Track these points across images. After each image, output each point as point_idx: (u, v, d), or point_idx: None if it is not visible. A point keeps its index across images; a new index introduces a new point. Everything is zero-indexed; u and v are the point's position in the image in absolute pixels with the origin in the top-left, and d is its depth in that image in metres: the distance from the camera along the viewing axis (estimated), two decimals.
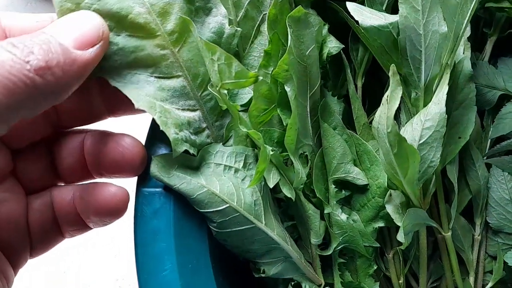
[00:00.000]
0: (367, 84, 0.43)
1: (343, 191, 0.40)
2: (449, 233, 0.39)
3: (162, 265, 0.31)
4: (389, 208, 0.37)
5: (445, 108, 0.35)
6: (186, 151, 0.33)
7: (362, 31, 0.36)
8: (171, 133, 0.31)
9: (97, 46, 0.28)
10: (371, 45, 0.37)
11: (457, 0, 0.34)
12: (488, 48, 0.45)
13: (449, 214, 0.40)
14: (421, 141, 0.36)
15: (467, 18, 0.36)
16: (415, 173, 0.35)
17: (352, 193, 0.41)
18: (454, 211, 0.39)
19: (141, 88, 0.31)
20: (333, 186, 0.40)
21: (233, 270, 0.38)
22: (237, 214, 0.34)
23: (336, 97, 0.41)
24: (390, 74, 0.32)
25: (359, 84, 0.42)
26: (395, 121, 0.32)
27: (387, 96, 0.33)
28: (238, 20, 0.37)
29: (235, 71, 0.31)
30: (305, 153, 0.39)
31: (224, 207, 0.33)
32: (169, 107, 0.32)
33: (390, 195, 0.38)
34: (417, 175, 0.35)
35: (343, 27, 0.41)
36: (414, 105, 0.37)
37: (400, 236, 0.36)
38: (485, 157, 0.42)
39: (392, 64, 0.32)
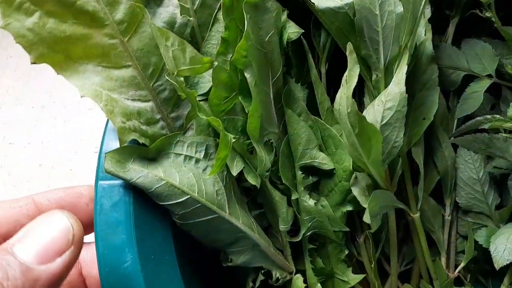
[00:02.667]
0: (333, 70, 0.43)
1: (311, 177, 0.40)
2: (417, 214, 0.39)
3: (124, 257, 0.31)
4: (355, 191, 0.37)
5: (405, 88, 0.35)
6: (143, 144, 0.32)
7: (320, 13, 0.36)
8: (117, 121, 0.30)
9: (66, 254, 0.26)
10: (330, 28, 0.37)
11: None
12: (451, 29, 0.45)
13: (417, 195, 0.40)
14: (383, 122, 0.36)
15: None
16: (379, 153, 0.35)
17: (320, 179, 0.40)
18: (421, 193, 0.39)
19: (88, 78, 0.31)
20: (300, 172, 0.39)
21: (202, 259, 0.38)
22: (199, 205, 0.33)
23: (299, 84, 0.40)
24: (347, 53, 0.32)
25: (323, 70, 0.42)
26: (354, 100, 0.32)
27: (346, 76, 0.33)
28: (195, 8, 0.37)
29: (189, 57, 0.31)
30: (271, 141, 0.39)
31: (184, 198, 0.33)
32: (117, 96, 0.32)
33: (356, 177, 0.37)
34: (381, 156, 0.35)
35: (305, 13, 0.41)
36: (376, 87, 0.37)
37: (366, 218, 0.36)
38: (451, 138, 0.43)
39: (349, 43, 0.32)
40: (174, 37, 0.31)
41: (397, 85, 0.35)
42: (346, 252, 0.40)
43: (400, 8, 0.34)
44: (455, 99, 0.43)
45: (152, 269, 0.31)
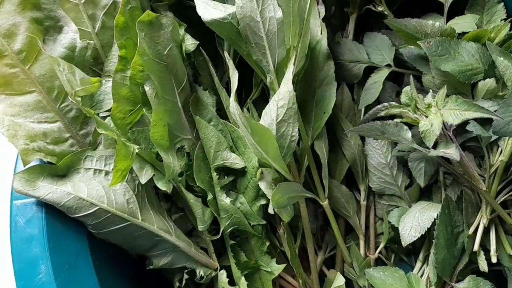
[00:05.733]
0: (245, 75, 0.46)
1: (226, 177, 0.42)
2: (326, 202, 0.42)
3: (37, 268, 0.33)
4: (262, 185, 0.40)
5: (292, 87, 0.37)
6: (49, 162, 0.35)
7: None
8: (20, 144, 0.33)
9: None
10: (222, 37, 0.39)
11: None
12: (351, 25, 0.48)
13: (324, 184, 0.42)
14: (278, 120, 0.38)
15: (308, 2, 0.39)
16: (275, 149, 0.37)
17: (236, 178, 0.43)
18: (326, 181, 0.42)
19: None
20: (215, 173, 0.42)
21: (126, 265, 0.40)
22: (109, 214, 0.36)
23: (207, 91, 0.43)
24: (227, 60, 0.35)
25: (235, 76, 0.45)
26: (236, 103, 0.35)
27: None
28: (96, 31, 0.40)
29: (79, 79, 0.34)
30: (184, 147, 0.41)
31: (93, 210, 0.35)
32: (21, 121, 0.34)
33: (262, 173, 0.40)
34: (278, 151, 0.38)
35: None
36: (271, 88, 0.40)
37: (270, 209, 0.38)
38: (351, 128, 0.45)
39: (225, 51, 0.34)
40: (63, 62, 0.33)
41: (286, 84, 0.38)
42: (267, 244, 0.43)
43: (280, 13, 0.37)
44: (360, 91, 0.46)
45: (66, 277, 0.34)
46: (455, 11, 0.45)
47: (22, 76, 0.35)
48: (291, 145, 0.39)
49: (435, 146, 0.39)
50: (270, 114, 0.38)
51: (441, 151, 0.36)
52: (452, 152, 0.36)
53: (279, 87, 0.40)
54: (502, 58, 0.38)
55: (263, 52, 0.38)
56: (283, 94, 0.38)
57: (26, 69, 0.35)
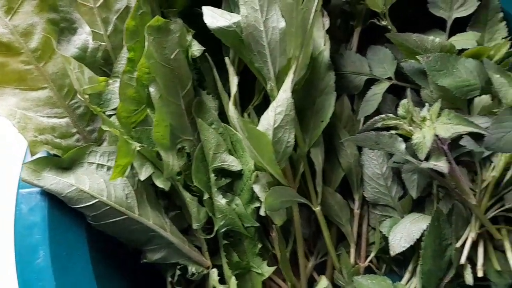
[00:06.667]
0: (247, 81, 0.47)
1: (224, 179, 0.44)
2: (318, 208, 0.43)
3: (36, 254, 0.35)
4: (256, 188, 0.41)
5: (290, 94, 0.39)
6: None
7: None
8: (29, 136, 0.35)
9: None
10: (227, 44, 0.41)
11: None
12: (355, 38, 0.49)
13: (318, 191, 0.43)
14: (275, 125, 0.40)
15: (312, 14, 0.41)
16: (271, 153, 0.39)
17: (233, 180, 0.44)
18: (320, 188, 0.43)
19: (5, 99, 0.36)
20: (213, 174, 0.43)
21: (122, 256, 0.42)
22: (108, 207, 0.38)
23: (211, 95, 0.45)
24: (228, 66, 0.36)
25: (235, 81, 0.46)
26: (234, 107, 0.36)
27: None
28: (108, 34, 0.42)
29: (87, 78, 0.36)
30: (184, 147, 0.43)
31: (93, 202, 0.37)
32: (32, 114, 0.36)
33: (257, 176, 0.41)
34: (273, 156, 0.39)
35: None
36: (271, 95, 0.41)
37: (262, 211, 0.40)
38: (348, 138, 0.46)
39: (226, 57, 0.36)
40: (74, 61, 0.36)
41: (285, 92, 0.39)
42: (260, 246, 0.44)
43: (282, 24, 0.39)
44: (360, 102, 0.47)
45: (63, 264, 0.36)
46: (459, 28, 0.46)
47: (36, 73, 0.37)
48: (287, 151, 0.40)
49: (428, 158, 0.40)
50: (268, 120, 0.40)
51: (432, 164, 0.37)
52: (441, 165, 0.36)
53: (278, 94, 0.41)
54: (498, 76, 0.38)
55: (265, 60, 0.40)
56: (282, 101, 0.39)
57: (40, 66, 0.38)
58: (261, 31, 0.39)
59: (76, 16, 0.39)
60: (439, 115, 0.38)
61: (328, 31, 0.51)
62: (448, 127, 0.36)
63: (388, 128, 0.43)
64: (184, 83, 0.42)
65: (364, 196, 0.46)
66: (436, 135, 0.37)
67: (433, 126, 0.38)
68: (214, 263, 0.44)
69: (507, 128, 0.36)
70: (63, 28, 0.39)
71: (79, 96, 0.38)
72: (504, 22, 0.44)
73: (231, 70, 0.37)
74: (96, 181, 0.38)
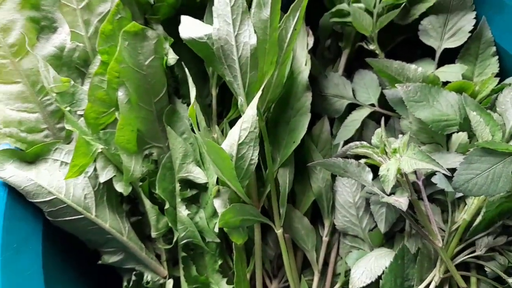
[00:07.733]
0: (227, 92, 0.47)
1: (189, 190, 0.43)
2: (280, 231, 0.42)
3: None
4: (217, 203, 0.40)
5: (256, 111, 0.38)
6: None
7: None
8: None
9: None
10: (200, 55, 0.41)
11: (266, 15, 0.38)
12: (343, 59, 0.48)
13: (281, 212, 0.42)
14: (240, 141, 0.39)
15: (290, 32, 0.40)
16: (231, 169, 0.38)
17: (199, 192, 0.44)
18: (284, 210, 0.42)
19: None
20: (178, 184, 0.43)
21: (79, 256, 0.42)
22: (65, 205, 0.38)
23: (185, 104, 0.44)
24: (187, 75, 0.36)
25: (214, 92, 0.46)
26: (195, 120, 0.36)
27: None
28: (89, 35, 0.43)
29: (52, 77, 0.36)
30: (152, 154, 0.43)
31: (50, 198, 0.38)
32: (1, 107, 0.37)
33: (218, 190, 0.41)
34: (233, 171, 0.38)
35: None
36: (241, 110, 0.40)
37: (216, 228, 0.39)
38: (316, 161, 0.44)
39: (185, 67, 0.36)
40: (41, 60, 0.37)
41: (251, 109, 0.38)
42: (220, 262, 0.43)
43: (254, 40, 0.38)
44: (339, 126, 0.46)
45: (11, 255, 0.36)
46: (451, 59, 0.44)
47: (11, 67, 0.38)
48: (249, 168, 0.39)
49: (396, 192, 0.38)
50: (234, 136, 0.39)
51: (392, 198, 0.35)
52: (401, 200, 0.34)
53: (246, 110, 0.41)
54: (475, 113, 0.36)
55: (235, 75, 0.39)
56: (247, 118, 0.38)
57: (16, 61, 0.39)
58: (232, 45, 0.39)
59: (57, 15, 0.40)
60: (407, 148, 0.36)
61: (316, 51, 0.50)
62: (412, 162, 0.34)
63: (363, 157, 0.42)
64: (157, 89, 0.42)
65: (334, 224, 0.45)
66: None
67: (399, 160, 0.36)
68: (173, 274, 0.43)
69: (476, 170, 0.33)
70: (44, 27, 0.40)
71: (49, 93, 0.39)
72: (497, 57, 0.41)
73: (190, 81, 0.36)
74: (57, 178, 0.38)
